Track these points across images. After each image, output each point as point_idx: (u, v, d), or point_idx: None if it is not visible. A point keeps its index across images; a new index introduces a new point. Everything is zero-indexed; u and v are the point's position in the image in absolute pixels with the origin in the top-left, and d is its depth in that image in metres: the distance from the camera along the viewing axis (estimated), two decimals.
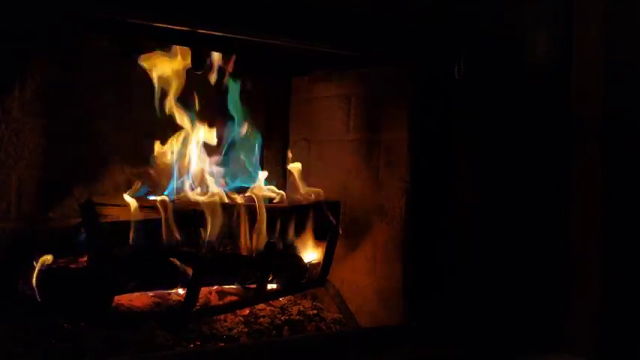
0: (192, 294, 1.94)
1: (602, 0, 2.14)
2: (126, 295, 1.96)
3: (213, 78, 2.23)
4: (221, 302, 2.10)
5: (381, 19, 1.92)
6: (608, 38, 2.13)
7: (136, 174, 2.25)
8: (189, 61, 2.12)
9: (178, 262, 1.92)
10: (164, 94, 2.16)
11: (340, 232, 2.26)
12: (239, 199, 2.12)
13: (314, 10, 1.80)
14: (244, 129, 2.30)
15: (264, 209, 2.08)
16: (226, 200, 2.08)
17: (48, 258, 1.89)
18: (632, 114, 2.16)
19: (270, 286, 2.16)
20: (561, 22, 2.18)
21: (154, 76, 2.15)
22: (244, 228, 2.06)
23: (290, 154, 2.47)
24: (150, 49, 2.15)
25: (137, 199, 2.01)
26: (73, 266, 1.92)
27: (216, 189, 2.14)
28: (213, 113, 2.26)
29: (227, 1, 1.73)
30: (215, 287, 2.11)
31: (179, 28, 1.80)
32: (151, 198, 2.06)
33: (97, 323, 1.83)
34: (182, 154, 2.17)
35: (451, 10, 2.01)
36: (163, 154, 2.16)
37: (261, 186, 2.21)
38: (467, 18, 2.04)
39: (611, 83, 2.13)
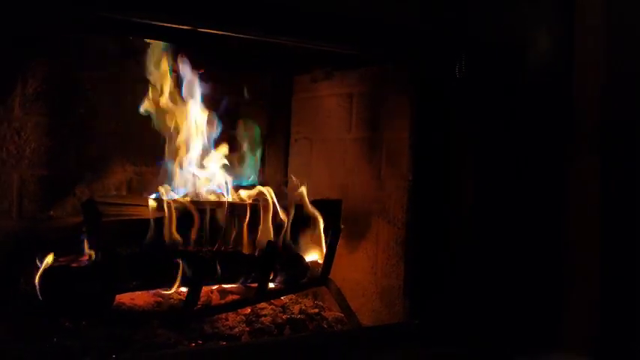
0: (193, 293, 1.94)
1: None
2: (128, 293, 1.96)
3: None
4: (222, 301, 2.10)
5: (383, 20, 1.92)
6: (609, 36, 2.13)
7: (137, 173, 2.25)
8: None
9: (180, 262, 1.92)
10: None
11: (341, 230, 2.26)
12: (241, 198, 2.12)
13: (318, 13, 1.81)
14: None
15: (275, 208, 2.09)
16: (229, 199, 2.09)
17: (50, 257, 1.89)
18: (632, 115, 2.17)
19: (271, 285, 2.16)
20: (562, 22, 2.18)
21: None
22: (246, 227, 2.06)
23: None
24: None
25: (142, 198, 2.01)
26: (74, 265, 1.92)
27: (219, 188, 2.14)
28: (217, 112, 2.26)
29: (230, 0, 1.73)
30: (216, 286, 2.11)
31: (181, 27, 1.80)
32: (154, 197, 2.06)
33: (99, 322, 1.84)
34: (186, 153, 2.17)
35: (451, 10, 2.01)
36: (168, 153, 2.16)
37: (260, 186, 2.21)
38: (467, 19, 2.04)
39: (611, 83, 2.14)
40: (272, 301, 2.18)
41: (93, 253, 1.90)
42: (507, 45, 2.10)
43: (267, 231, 2.09)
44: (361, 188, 2.35)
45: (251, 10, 1.76)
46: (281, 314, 2.12)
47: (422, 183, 2.19)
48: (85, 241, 1.94)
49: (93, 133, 2.19)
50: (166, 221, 1.96)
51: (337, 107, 2.44)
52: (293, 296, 2.29)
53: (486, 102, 2.13)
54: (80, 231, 1.98)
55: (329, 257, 2.24)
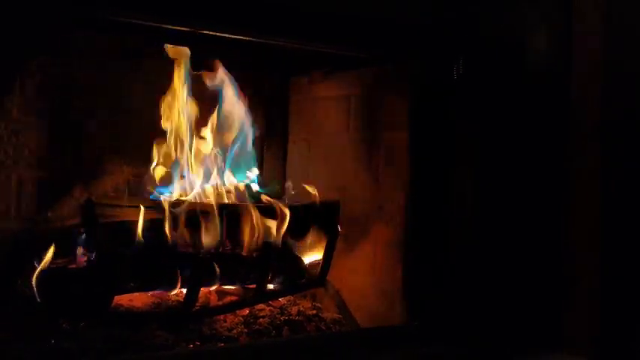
0: (191, 294, 1.94)
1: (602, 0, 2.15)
2: (126, 295, 1.95)
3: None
4: (221, 302, 2.10)
5: (383, 20, 1.92)
6: (609, 36, 2.14)
7: (135, 174, 2.25)
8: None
9: (178, 263, 1.92)
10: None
11: (339, 231, 2.26)
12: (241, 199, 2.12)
13: (319, 14, 1.81)
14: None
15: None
16: (227, 200, 2.08)
17: (47, 258, 1.89)
18: (632, 115, 2.17)
19: (269, 287, 2.16)
20: (561, 23, 2.19)
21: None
22: (244, 228, 2.06)
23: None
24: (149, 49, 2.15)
25: (141, 199, 2.01)
26: (72, 266, 1.92)
27: (216, 189, 2.14)
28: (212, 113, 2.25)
29: (228, 2, 1.73)
30: (215, 287, 2.10)
31: (178, 28, 1.80)
32: (152, 198, 2.05)
33: (97, 323, 1.83)
34: (183, 154, 2.17)
35: (450, 10, 2.02)
36: (165, 154, 2.16)
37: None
38: (466, 19, 2.05)
39: (611, 83, 2.14)
40: (270, 302, 2.18)
41: (91, 254, 1.90)
42: (507, 45, 2.11)
43: (265, 232, 2.09)
44: (360, 189, 2.35)
45: (251, 12, 1.76)
46: (279, 315, 2.11)
47: (421, 184, 2.19)
48: (84, 242, 1.94)
49: (91, 135, 2.19)
50: (165, 222, 1.96)
51: (335, 108, 2.44)
52: (291, 297, 2.28)
53: (486, 102, 2.13)
54: (78, 232, 1.98)
55: (327, 259, 2.24)
